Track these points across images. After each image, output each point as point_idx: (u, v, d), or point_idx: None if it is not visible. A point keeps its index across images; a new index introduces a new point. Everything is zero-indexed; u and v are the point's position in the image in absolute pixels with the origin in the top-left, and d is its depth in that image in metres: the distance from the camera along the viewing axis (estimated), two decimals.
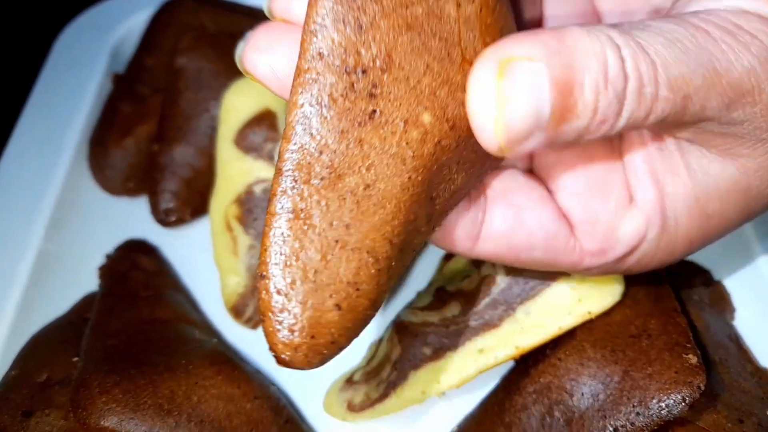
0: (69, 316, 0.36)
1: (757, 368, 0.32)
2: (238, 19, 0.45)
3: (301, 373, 0.35)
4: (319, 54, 0.20)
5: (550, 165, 0.25)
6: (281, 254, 0.20)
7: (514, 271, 0.32)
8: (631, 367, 0.29)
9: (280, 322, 0.20)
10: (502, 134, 0.19)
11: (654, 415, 0.27)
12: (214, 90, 0.40)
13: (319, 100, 0.20)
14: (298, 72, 0.20)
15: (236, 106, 0.38)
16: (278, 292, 0.20)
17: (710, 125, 0.21)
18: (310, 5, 0.20)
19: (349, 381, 0.34)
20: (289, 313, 0.20)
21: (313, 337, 0.21)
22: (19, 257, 0.38)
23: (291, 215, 0.20)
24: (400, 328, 0.33)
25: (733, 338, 0.34)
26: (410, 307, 0.34)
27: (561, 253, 0.24)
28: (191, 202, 0.41)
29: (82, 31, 0.48)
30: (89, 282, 0.37)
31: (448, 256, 0.37)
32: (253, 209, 0.37)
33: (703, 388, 0.27)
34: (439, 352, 0.32)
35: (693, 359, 0.28)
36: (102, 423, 0.27)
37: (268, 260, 0.20)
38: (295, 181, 0.20)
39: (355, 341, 0.35)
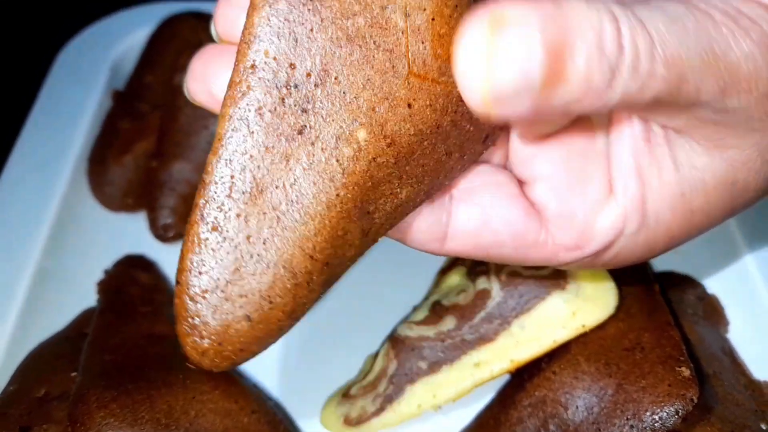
0: (67, 331, 0.36)
1: (750, 381, 0.33)
2: None
3: (298, 387, 0.35)
4: (252, 66, 0.20)
5: (528, 158, 0.24)
6: (196, 263, 0.21)
7: (509, 285, 0.32)
8: (624, 380, 0.29)
9: (191, 327, 0.21)
10: (488, 90, 0.18)
11: (647, 428, 0.28)
12: None
13: (248, 114, 0.20)
14: (231, 84, 0.20)
15: None
16: (190, 299, 0.21)
17: (703, 112, 0.21)
18: (247, 15, 0.20)
19: (346, 395, 0.34)
20: (199, 319, 0.21)
21: (220, 343, 0.21)
22: (19, 273, 0.38)
23: (209, 226, 0.20)
24: (396, 342, 0.34)
25: (726, 351, 0.34)
26: (406, 321, 0.35)
27: (532, 248, 0.24)
28: None
29: (83, 47, 0.48)
30: (88, 297, 0.37)
31: (445, 270, 0.37)
32: None
33: (696, 400, 0.28)
34: (435, 366, 0.33)
35: (686, 372, 0.28)
36: None
37: (183, 266, 0.21)
38: (216, 194, 0.20)
39: (352, 355, 0.35)
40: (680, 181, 0.23)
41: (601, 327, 0.31)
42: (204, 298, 0.21)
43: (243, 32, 0.20)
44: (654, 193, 0.23)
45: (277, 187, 0.20)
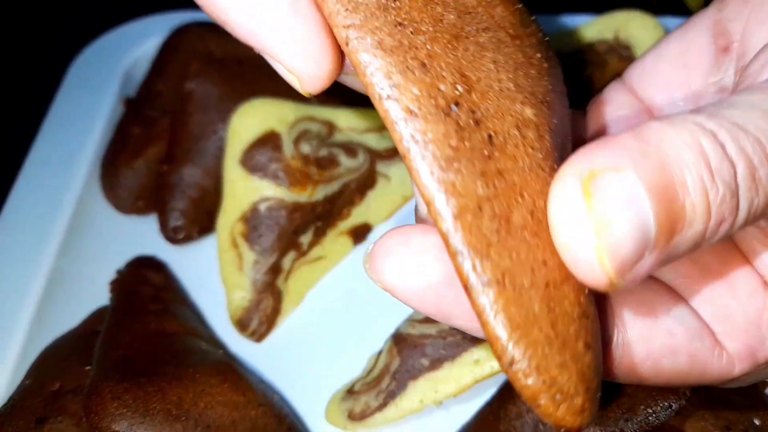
0: (81, 328, 0.37)
1: None
2: (243, 45, 0.46)
3: (304, 383, 0.36)
4: (409, 111, 0.18)
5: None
6: (507, 329, 0.17)
7: None
8: None
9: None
10: (609, 264, 0.15)
11: (642, 422, 0.28)
12: (221, 112, 0.42)
13: (443, 160, 0.17)
14: (399, 144, 0.18)
15: (243, 128, 0.39)
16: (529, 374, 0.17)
17: None
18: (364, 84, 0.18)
19: (350, 391, 0.35)
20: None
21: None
22: (34, 272, 0.39)
23: (494, 287, 0.17)
24: (399, 340, 0.35)
25: None
26: (409, 319, 0.36)
27: (708, 359, 0.21)
28: (199, 221, 0.42)
29: (96, 56, 0.50)
30: (100, 296, 0.38)
31: None
32: (258, 226, 0.38)
33: (689, 395, 0.28)
34: (437, 363, 0.34)
35: None
36: (113, 427, 0.28)
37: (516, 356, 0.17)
38: (475, 255, 0.17)
39: (356, 353, 0.36)
40: None
41: None
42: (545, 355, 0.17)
43: (370, 90, 0.18)
44: None
45: (516, 205, 0.18)
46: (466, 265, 0.17)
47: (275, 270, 0.38)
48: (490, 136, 0.18)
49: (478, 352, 0.33)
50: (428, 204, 0.17)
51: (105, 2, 0.57)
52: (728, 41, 0.24)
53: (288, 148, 0.39)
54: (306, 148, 0.40)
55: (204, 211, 0.42)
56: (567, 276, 0.17)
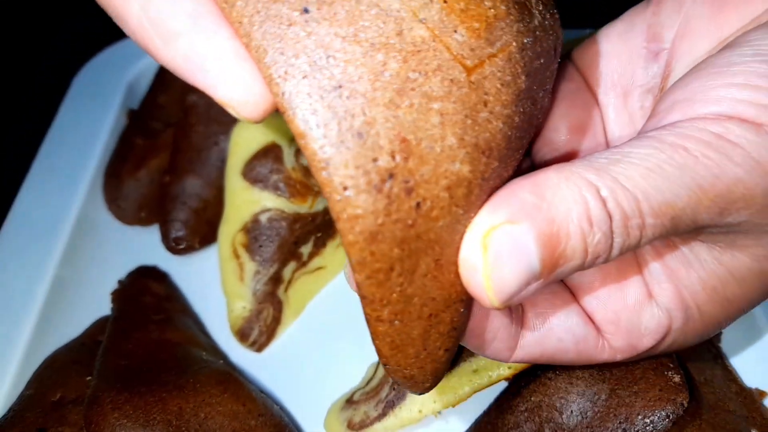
0: (82, 338, 0.38)
1: (741, 388, 0.33)
2: None
3: (303, 393, 0.36)
4: (343, 187, 0.18)
5: None
6: (387, 349, 0.21)
7: None
8: (617, 386, 0.30)
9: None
10: (495, 299, 0.20)
11: (639, 431, 0.29)
12: (223, 125, 0.42)
13: (368, 234, 0.18)
14: (336, 218, 0.18)
15: (244, 140, 0.40)
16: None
17: (708, 229, 0.21)
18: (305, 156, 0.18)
19: (349, 401, 0.35)
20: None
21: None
22: (37, 282, 0.39)
23: (386, 325, 0.20)
24: None
25: (718, 359, 0.35)
26: None
27: (593, 353, 0.25)
28: (200, 231, 0.43)
29: (100, 69, 0.50)
30: (102, 306, 0.39)
31: None
32: (258, 237, 0.38)
33: (686, 405, 0.28)
34: None
35: (676, 378, 0.29)
36: None
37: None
38: (377, 303, 0.20)
39: (356, 364, 0.37)
40: (710, 277, 0.23)
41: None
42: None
43: (313, 172, 0.18)
44: (688, 290, 0.24)
45: (422, 261, 0.20)
46: (367, 307, 0.20)
47: (276, 280, 0.39)
48: (418, 204, 0.19)
49: (476, 362, 0.33)
50: (347, 256, 0.19)
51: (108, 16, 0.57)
52: (659, 47, 0.26)
53: (289, 159, 0.39)
54: (306, 160, 0.40)
55: (205, 221, 0.43)
56: (450, 304, 0.21)
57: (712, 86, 0.21)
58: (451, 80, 0.19)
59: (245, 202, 0.39)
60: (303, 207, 0.39)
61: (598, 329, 0.25)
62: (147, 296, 0.39)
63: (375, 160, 0.18)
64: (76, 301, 0.40)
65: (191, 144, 0.43)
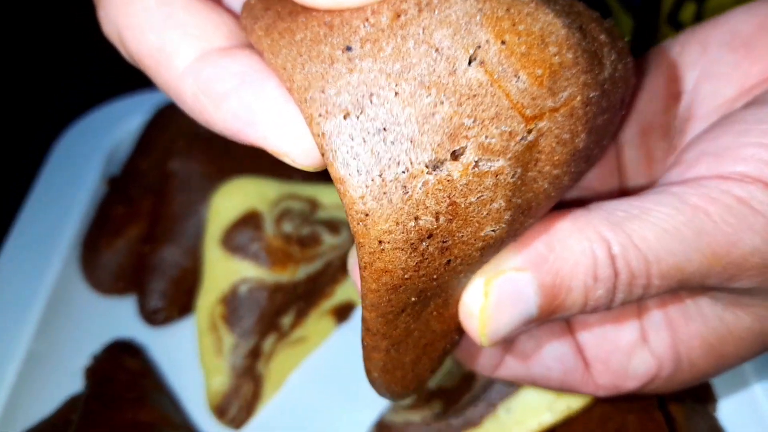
0: (53, 418, 0.36)
1: None
2: None
3: None
4: (378, 242, 0.17)
5: None
6: (378, 371, 0.21)
7: None
8: None
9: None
10: (486, 341, 0.20)
11: None
12: (203, 192, 0.42)
13: (397, 282, 0.18)
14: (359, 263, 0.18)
15: (223, 208, 0.39)
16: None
17: (716, 289, 0.21)
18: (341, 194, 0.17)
19: None
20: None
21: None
22: (8, 357, 0.38)
23: (383, 353, 0.20)
24: (382, 428, 0.33)
25: (714, 430, 0.34)
26: (393, 407, 0.34)
27: (576, 385, 0.25)
28: (179, 301, 0.42)
29: (80, 135, 0.50)
30: (75, 381, 0.37)
31: None
32: (237, 308, 0.37)
33: None
34: None
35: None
36: None
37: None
38: (385, 339, 0.20)
39: None
40: (709, 333, 0.23)
41: (586, 409, 0.31)
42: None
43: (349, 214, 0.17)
44: (684, 344, 0.24)
45: (432, 304, 0.20)
46: (367, 336, 0.20)
47: (255, 353, 0.37)
48: (448, 262, 0.18)
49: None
50: (362, 296, 0.19)
51: (89, 81, 0.58)
52: (679, 89, 0.25)
53: (269, 226, 0.39)
54: (288, 227, 0.39)
55: (184, 291, 0.42)
56: (448, 334, 0.21)
57: (741, 144, 0.20)
58: (510, 133, 0.17)
59: (224, 272, 0.38)
60: (284, 276, 0.38)
61: (586, 363, 0.25)
62: (121, 372, 0.37)
63: (417, 219, 0.17)
64: (49, 377, 0.39)
65: (170, 213, 0.42)
